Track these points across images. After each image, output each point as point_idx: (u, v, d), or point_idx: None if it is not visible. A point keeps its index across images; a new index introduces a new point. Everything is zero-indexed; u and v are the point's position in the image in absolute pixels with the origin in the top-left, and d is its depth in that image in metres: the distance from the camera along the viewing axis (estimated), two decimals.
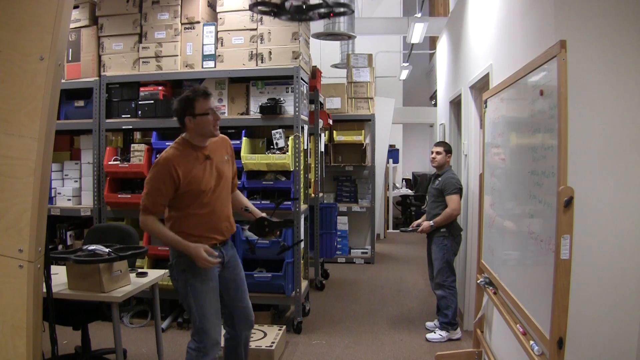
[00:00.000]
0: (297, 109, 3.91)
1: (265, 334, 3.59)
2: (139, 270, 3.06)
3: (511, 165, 2.59)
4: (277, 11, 3.11)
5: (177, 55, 4.10)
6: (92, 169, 4.25)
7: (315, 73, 4.83)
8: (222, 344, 2.69)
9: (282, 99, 3.97)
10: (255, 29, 3.98)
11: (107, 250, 2.72)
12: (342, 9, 3.17)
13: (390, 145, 8.66)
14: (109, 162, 4.09)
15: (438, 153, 3.98)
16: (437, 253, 3.88)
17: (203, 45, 4.08)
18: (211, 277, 2.52)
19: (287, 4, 2.98)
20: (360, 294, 5.19)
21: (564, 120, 1.83)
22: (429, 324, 4.11)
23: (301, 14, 3.08)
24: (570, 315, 1.80)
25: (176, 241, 2.44)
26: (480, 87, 3.79)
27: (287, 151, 3.94)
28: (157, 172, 2.44)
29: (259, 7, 3.20)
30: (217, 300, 2.56)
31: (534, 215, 2.16)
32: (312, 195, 4.89)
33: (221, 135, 2.66)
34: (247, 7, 3.96)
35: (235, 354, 2.77)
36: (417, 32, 6.34)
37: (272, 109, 3.90)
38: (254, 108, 4.04)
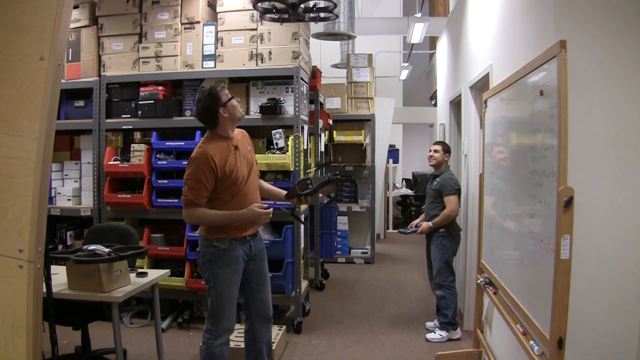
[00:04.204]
0: (297, 109, 3.91)
1: None
2: (139, 270, 3.06)
3: (511, 165, 2.59)
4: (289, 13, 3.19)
5: (177, 55, 4.10)
6: (92, 169, 4.25)
7: (315, 73, 4.83)
8: (240, 337, 2.81)
9: (282, 99, 3.97)
10: (255, 29, 3.98)
11: (107, 250, 2.72)
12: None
13: (390, 145, 8.65)
14: (109, 162, 4.09)
15: (436, 151, 3.99)
16: (436, 253, 3.89)
17: (203, 45, 4.08)
18: (234, 269, 2.64)
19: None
20: (360, 294, 5.19)
21: (564, 120, 1.83)
22: (429, 324, 4.11)
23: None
24: (570, 315, 1.80)
25: (228, 216, 2.56)
26: (480, 87, 3.79)
27: (287, 151, 3.94)
28: (197, 166, 2.51)
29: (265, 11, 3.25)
30: (236, 291, 2.68)
31: (534, 215, 2.15)
32: None
33: (239, 129, 2.79)
34: (247, 7, 3.97)
35: (255, 349, 2.86)
36: (417, 32, 6.34)
37: (272, 109, 3.90)
38: (254, 108, 4.04)
